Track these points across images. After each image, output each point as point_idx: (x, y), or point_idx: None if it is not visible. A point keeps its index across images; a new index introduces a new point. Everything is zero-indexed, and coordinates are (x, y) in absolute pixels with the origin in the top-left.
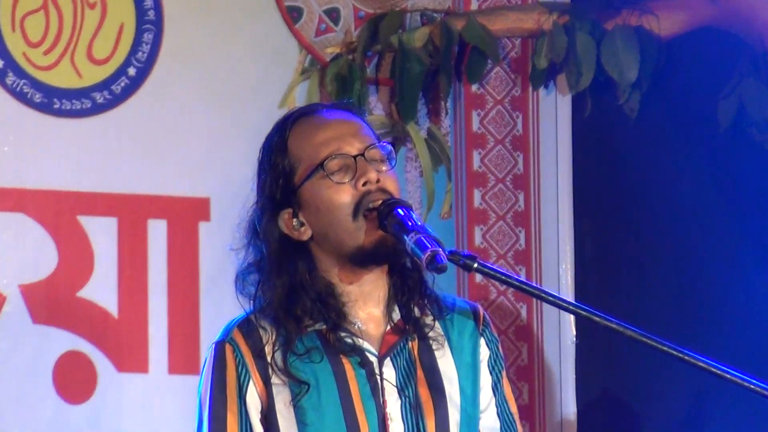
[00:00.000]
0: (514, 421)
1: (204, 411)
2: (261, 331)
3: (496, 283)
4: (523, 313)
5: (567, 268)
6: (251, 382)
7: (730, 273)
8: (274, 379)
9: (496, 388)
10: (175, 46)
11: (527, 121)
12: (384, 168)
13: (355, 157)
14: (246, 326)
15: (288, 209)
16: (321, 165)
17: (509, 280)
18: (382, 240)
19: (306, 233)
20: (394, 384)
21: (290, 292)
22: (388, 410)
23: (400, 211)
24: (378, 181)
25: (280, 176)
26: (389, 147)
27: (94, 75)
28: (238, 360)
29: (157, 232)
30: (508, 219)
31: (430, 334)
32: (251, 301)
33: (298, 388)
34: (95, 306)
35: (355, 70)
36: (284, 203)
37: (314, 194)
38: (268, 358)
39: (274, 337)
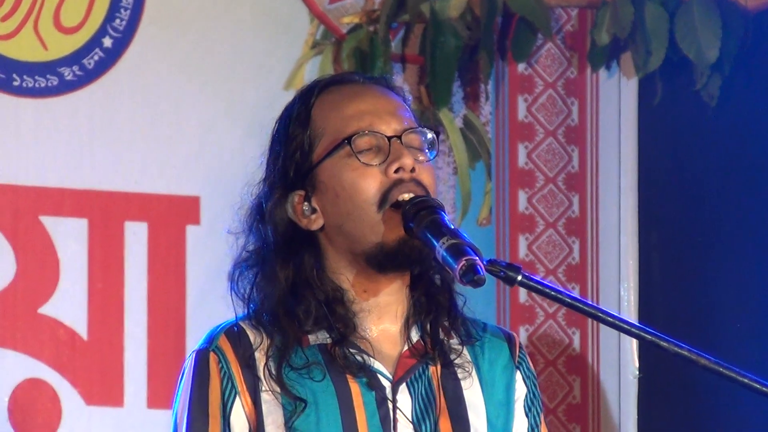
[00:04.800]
0: None
1: (181, 426)
2: (252, 337)
3: (544, 305)
4: (576, 340)
5: (630, 287)
6: (238, 400)
7: None
8: (265, 396)
9: (536, 430)
10: (159, 11)
11: (584, 110)
12: (422, 158)
13: (390, 138)
14: (235, 332)
15: (300, 191)
16: (348, 140)
17: (561, 296)
18: (405, 241)
19: (317, 222)
20: (410, 415)
21: (293, 290)
22: None
23: (432, 211)
24: (413, 170)
25: (297, 149)
26: (432, 134)
27: (62, 46)
28: (223, 372)
29: (136, 236)
30: (559, 227)
31: (456, 360)
32: (245, 304)
33: (293, 406)
34: (60, 325)
35: (377, 44)
36: (297, 183)
37: (334, 175)
38: (259, 367)
39: (268, 345)
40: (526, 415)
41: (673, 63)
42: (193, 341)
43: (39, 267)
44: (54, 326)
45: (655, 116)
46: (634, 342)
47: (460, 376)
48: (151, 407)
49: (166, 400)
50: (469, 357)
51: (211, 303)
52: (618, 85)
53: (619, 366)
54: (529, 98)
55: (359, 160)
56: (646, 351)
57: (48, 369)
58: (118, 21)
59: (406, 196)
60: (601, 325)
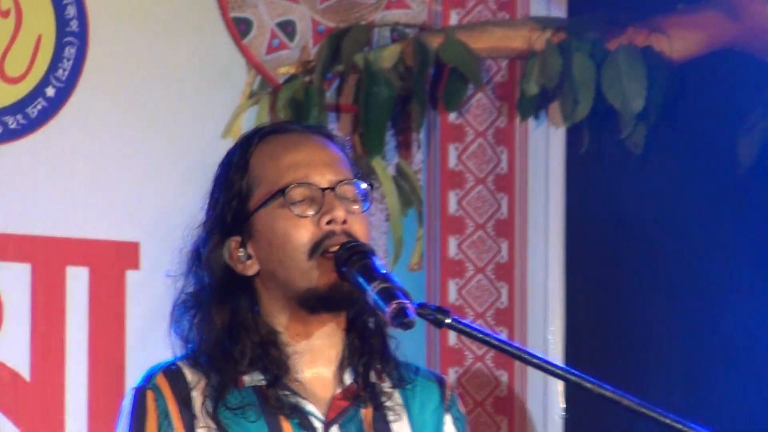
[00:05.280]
0: None
1: None
2: (189, 377)
3: (473, 347)
4: (504, 381)
5: (556, 330)
6: None
7: (754, 328)
8: None
9: None
10: (101, 62)
11: (513, 158)
12: (355, 208)
13: (324, 189)
14: (173, 370)
15: (237, 237)
16: (282, 191)
17: (488, 339)
18: (337, 287)
19: (252, 268)
20: None
21: (229, 332)
22: None
23: (364, 256)
24: (345, 222)
25: (235, 197)
26: (366, 186)
27: (6, 95)
28: (160, 410)
29: (77, 280)
30: (488, 272)
31: (387, 403)
32: (184, 342)
33: None
34: (3, 366)
35: (313, 94)
36: (234, 229)
37: (268, 224)
38: (196, 408)
39: (204, 384)
40: None
41: (599, 112)
42: (132, 380)
43: None
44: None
45: (583, 164)
46: (560, 383)
47: (390, 418)
48: None
49: None
50: (400, 400)
51: (149, 344)
52: (546, 133)
53: (546, 405)
54: (459, 147)
55: (292, 211)
56: (571, 392)
57: None
58: (60, 71)
59: (338, 246)
60: (528, 367)
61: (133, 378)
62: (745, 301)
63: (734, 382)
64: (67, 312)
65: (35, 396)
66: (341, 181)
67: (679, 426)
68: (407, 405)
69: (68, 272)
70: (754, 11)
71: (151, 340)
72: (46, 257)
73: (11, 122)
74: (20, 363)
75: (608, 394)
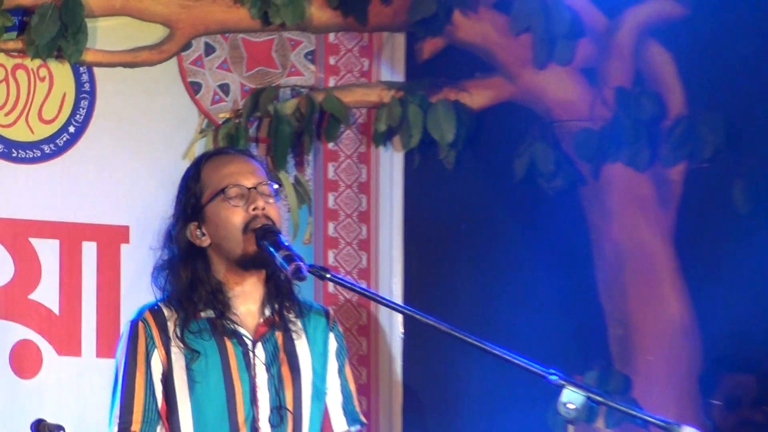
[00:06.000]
0: (353, 397)
1: (120, 371)
2: (166, 313)
3: (344, 292)
4: (364, 315)
5: (397, 282)
6: (156, 351)
7: (525, 284)
8: (174, 349)
9: (341, 371)
10: (105, 110)
11: (370, 171)
12: (270, 200)
13: (249, 188)
14: (155, 309)
15: (195, 222)
16: (223, 191)
17: (354, 288)
18: (259, 253)
19: (206, 241)
20: (263, 362)
21: (191, 284)
22: (257, 381)
23: (273, 233)
24: (264, 209)
25: (192, 197)
26: (276, 186)
27: (43, 131)
28: (147, 334)
29: (90, 251)
30: (354, 245)
31: (292, 327)
32: (162, 291)
33: (191, 355)
34: (42, 306)
35: (241, 130)
36: (192, 217)
37: (215, 213)
38: (170, 333)
39: (175, 318)
40: (337, 360)
41: (425, 142)
42: (127, 316)
43: (28, 269)
44: (38, 306)
45: (415, 175)
46: (400, 316)
47: (294, 337)
48: (99, 356)
49: (108, 351)
50: (300, 325)
51: (136, 292)
52: (391, 155)
53: (391, 330)
54: (335, 164)
55: (230, 203)
56: (407, 321)
57: (34, 333)
58: (78, 116)
59: (259, 225)
60: (379, 306)
61: (125, 315)
62: (524, 266)
63: (521, 317)
64: (83, 271)
65: (62, 325)
66: (260, 183)
67: (473, 341)
68: (305, 328)
69: (83, 246)
70: (524, 78)
71: (136, 289)
72: (69, 235)
73: (47, 149)
74: (52, 303)
75: (430, 322)
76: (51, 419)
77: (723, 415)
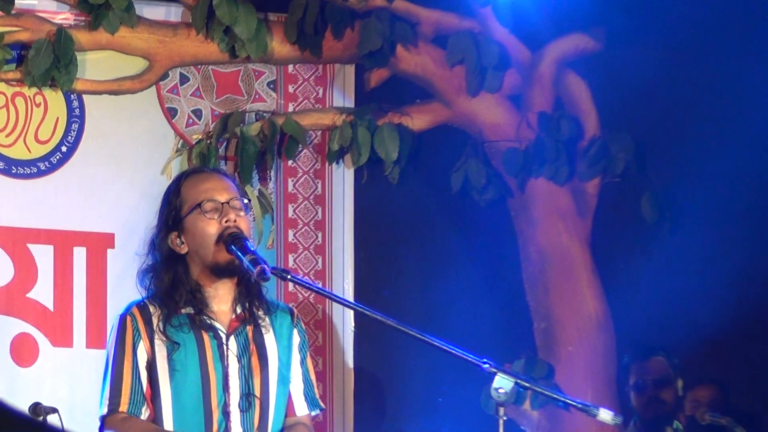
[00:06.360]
0: (314, 385)
1: (110, 358)
2: (151, 309)
3: (302, 292)
4: (320, 311)
5: (349, 282)
6: (141, 342)
7: (461, 283)
8: (157, 341)
9: (303, 362)
10: (93, 132)
11: (325, 185)
12: (241, 213)
13: (223, 203)
14: (141, 305)
15: (175, 231)
16: (199, 205)
17: (311, 287)
18: (231, 260)
19: (185, 249)
20: (235, 353)
21: (172, 285)
22: (229, 370)
23: (240, 240)
24: (235, 221)
25: (173, 210)
26: (246, 201)
27: (39, 151)
28: (134, 327)
29: (80, 255)
30: (310, 250)
31: (261, 323)
32: (146, 290)
33: (172, 346)
34: (38, 303)
35: (212, 150)
36: (173, 228)
37: (193, 224)
38: (154, 327)
39: (159, 313)
40: (299, 352)
41: (373, 160)
42: (112, 312)
43: (26, 271)
44: (34, 304)
45: (364, 189)
46: (351, 312)
47: (263, 332)
48: (88, 347)
49: (96, 343)
50: (268, 321)
51: (120, 291)
52: (343, 172)
53: (343, 325)
54: (294, 179)
55: (206, 216)
56: (357, 317)
57: (31, 327)
58: (69, 137)
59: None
60: (333, 303)
61: (111, 311)
62: (460, 268)
63: (455, 311)
64: (74, 273)
65: (56, 319)
66: (233, 198)
67: (415, 333)
68: (272, 324)
69: (74, 250)
70: (458, 104)
71: (120, 288)
72: (62, 242)
73: (42, 166)
74: (47, 301)
75: (377, 317)
76: (46, 402)
77: (636, 396)
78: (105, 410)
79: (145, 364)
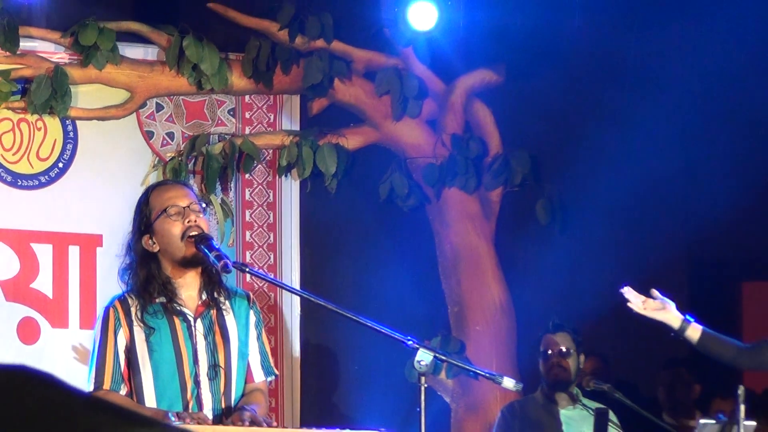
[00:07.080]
0: (269, 356)
1: (96, 344)
2: (130, 301)
3: (257, 282)
4: (272, 297)
5: (296, 274)
6: (121, 330)
7: (389, 275)
8: (136, 327)
9: (259, 337)
10: (84, 151)
11: (276, 194)
12: (200, 215)
13: (184, 207)
14: (122, 299)
15: (147, 234)
16: (165, 210)
17: (265, 278)
18: (195, 254)
19: (156, 248)
20: (202, 333)
21: (147, 279)
22: (197, 347)
23: (207, 239)
24: (195, 221)
25: (144, 216)
26: (203, 205)
27: (40, 166)
28: (116, 317)
29: (74, 253)
30: (264, 247)
31: (223, 307)
32: (126, 285)
33: (149, 331)
34: (40, 292)
35: (182, 165)
36: (145, 231)
37: (161, 226)
38: (133, 316)
39: (137, 304)
40: (255, 329)
41: (315, 173)
42: (101, 300)
43: (30, 266)
44: (37, 292)
45: (308, 197)
46: (298, 298)
47: (225, 314)
48: (82, 328)
49: (88, 324)
50: (229, 305)
51: (107, 283)
52: (290, 183)
53: (291, 309)
54: (251, 189)
55: (171, 219)
56: (303, 302)
57: (34, 312)
58: (65, 155)
59: (194, 234)
60: (283, 291)
61: (100, 299)
62: (388, 262)
63: (388, 300)
64: (69, 267)
65: (54, 306)
66: (192, 203)
67: (351, 316)
68: (232, 307)
69: (70, 249)
70: (385, 127)
71: (107, 282)
72: (59, 241)
73: (43, 179)
74: (47, 290)
75: (320, 302)
76: None
77: (543, 363)
78: (92, 387)
79: (123, 348)
